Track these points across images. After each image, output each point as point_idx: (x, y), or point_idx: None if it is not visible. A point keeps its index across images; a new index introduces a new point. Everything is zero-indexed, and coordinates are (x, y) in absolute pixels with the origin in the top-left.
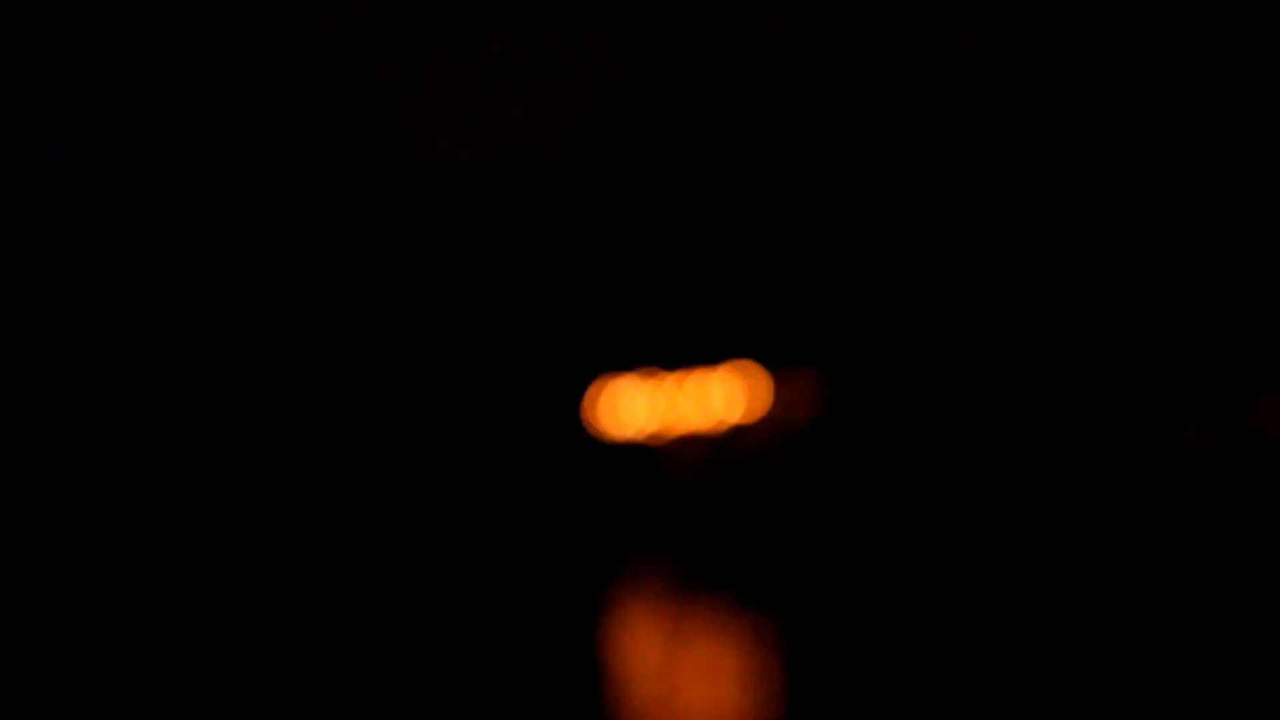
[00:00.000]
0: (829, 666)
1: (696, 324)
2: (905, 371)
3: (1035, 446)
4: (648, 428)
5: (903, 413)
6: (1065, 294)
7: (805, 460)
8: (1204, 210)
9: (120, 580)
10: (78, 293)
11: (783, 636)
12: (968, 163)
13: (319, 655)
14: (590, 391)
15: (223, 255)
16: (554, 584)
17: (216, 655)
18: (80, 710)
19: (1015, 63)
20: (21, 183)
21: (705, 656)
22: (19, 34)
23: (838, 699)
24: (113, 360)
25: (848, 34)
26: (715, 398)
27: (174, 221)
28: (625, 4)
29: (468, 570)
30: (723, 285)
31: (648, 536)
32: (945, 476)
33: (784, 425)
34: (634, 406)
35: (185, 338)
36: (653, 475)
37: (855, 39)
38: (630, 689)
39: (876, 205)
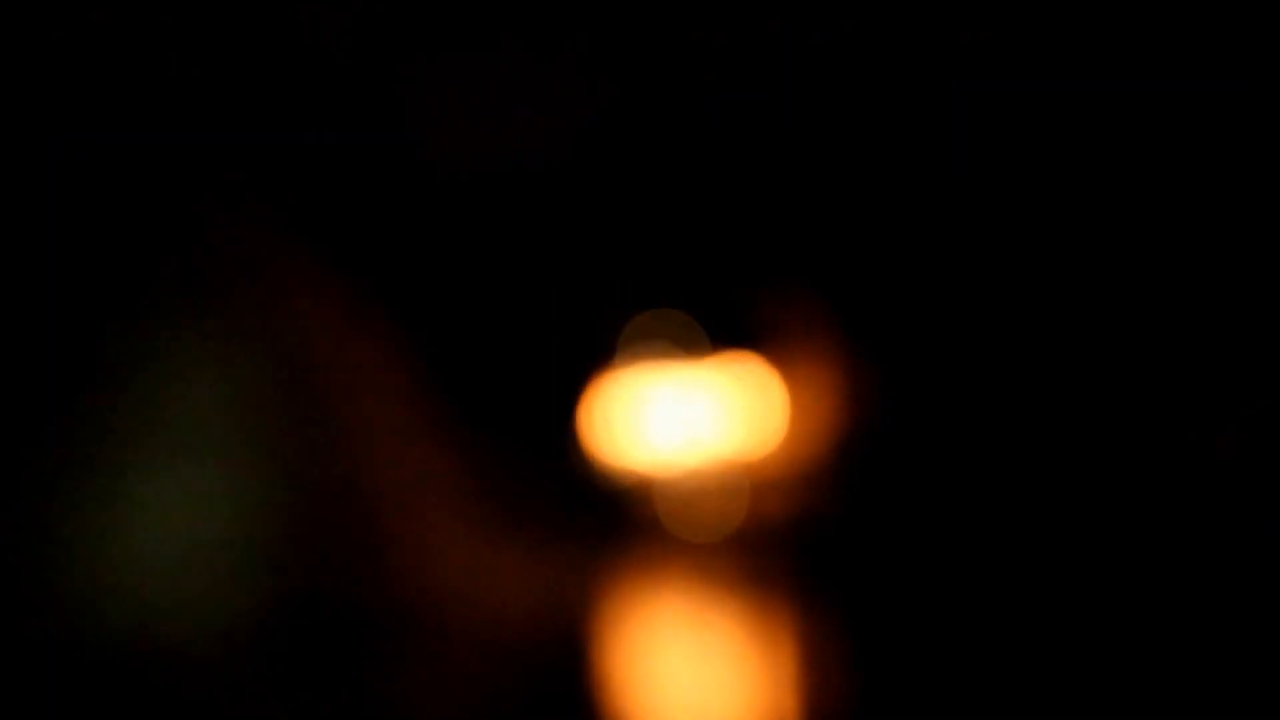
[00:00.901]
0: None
1: (697, 325)
2: (910, 373)
3: (1048, 452)
4: (656, 455)
5: (915, 418)
6: (1066, 294)
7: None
8: (1204, 210)
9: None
10: (78, 293)
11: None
12: (968, 163)
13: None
14: (586, 393)
15: (223, 255)
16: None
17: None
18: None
19: (1015, 63)
20: (21, 183)
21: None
22: (19, 34)
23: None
24: (113, 360)
25: (848, 34)
26: (720, 418)
27: (174, 221)
28: (625, 4)
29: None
30: (722, 285)
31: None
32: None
33: (803, 443)
34: (640, 424)
35: (185, 337)
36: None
37: (855, 39)
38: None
39: (877, 204)
